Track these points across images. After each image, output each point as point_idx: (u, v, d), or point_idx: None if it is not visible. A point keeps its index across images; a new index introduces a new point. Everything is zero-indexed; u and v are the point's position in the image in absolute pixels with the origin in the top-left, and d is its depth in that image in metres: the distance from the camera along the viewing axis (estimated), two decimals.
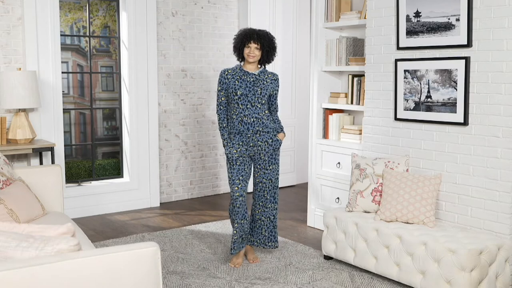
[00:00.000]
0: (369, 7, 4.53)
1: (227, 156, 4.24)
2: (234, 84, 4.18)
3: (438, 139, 4.06)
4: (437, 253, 3.50)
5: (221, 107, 4.24)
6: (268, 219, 4.35)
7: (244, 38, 4.16)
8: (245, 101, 4.16)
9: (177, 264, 4.27)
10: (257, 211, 4.35)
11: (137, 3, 5.92)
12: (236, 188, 4.18)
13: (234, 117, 4.20)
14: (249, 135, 4.19)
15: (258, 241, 4.38)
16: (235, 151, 4.20)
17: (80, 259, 2.05)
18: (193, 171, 6.62)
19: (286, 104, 7.12)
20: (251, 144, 4.20)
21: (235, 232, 4.20)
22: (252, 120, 4.18)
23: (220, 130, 4.27)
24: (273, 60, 4.32)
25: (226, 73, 4.23)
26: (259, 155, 4.24)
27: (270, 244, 4.39)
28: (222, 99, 4.23)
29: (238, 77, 4.20)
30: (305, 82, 7.29)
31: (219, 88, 4.25)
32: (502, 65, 3.65)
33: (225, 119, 4.25)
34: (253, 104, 4.17)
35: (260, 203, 4.33)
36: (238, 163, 4.20)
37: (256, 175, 4.31)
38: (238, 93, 4.15)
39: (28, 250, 2.02)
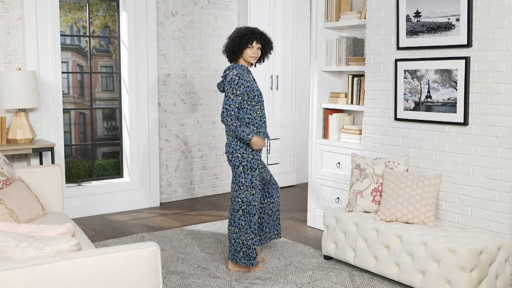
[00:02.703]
0: (369, 7, 4.53)
1: (251, 159, 4.04)
2: (254, 86, 4.03)
3: (438, 139, 4.06)
4: (437, 253, 3.50)
5: (233, 113, 3.94)
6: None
7: (247, 38, 4.01)
8: (262, 102, 4.09)
9: (177, 264, 4.27)
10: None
11: (137, 3, 5.92)
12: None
13: (258, 119, 4.04)
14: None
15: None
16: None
17: (80, 259, 2.05)
18: (193, 171, 6.62)
19: (286, 104, 7.12)
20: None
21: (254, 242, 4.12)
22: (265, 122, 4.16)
23: (239, 128, 3.93)
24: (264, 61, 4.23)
25: (243, 76, 3.97)
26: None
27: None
28: (237, 105, 3.94)
29: (252, 78, 4.11)
30: (305, 82, 7.29)
31: (237, 93, 3.91)
32: (502, 65, 3.65)
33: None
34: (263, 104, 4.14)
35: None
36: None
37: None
38: (259, 95, 4.05)
39: (28, 250, 2.02)
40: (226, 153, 4.10)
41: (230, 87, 3.94)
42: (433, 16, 4.01)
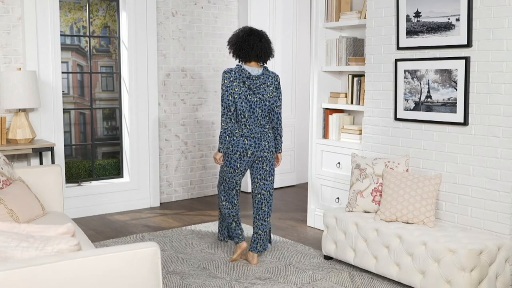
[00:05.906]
0: (369, 7, 4.53)
1: None
2: None
3: (438, 139, 4.07)
4: (437, 253, 3.50)
5: None
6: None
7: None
8: None
9: (177, 264, 4.27)
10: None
11: (137, 3, 5.92)
12: None
13: None
14: None
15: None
16: None
17: (80, 259, 2.05)
18: (193, 171, 6.62)
19: (286, 104, 7.12)
20: None
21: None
22: None
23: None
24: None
25: None
26: None
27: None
28: None
29: None
30: (305, 82, 7.29)
31: None
32: (502, 65, 3.65)
33: None
34: None
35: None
36: None
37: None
38: None
39: (28, 250, 2.02)
40: (265, 152, 4.20)
41: (281, 88, 4.27)
42: (433, 16, 4.01)
